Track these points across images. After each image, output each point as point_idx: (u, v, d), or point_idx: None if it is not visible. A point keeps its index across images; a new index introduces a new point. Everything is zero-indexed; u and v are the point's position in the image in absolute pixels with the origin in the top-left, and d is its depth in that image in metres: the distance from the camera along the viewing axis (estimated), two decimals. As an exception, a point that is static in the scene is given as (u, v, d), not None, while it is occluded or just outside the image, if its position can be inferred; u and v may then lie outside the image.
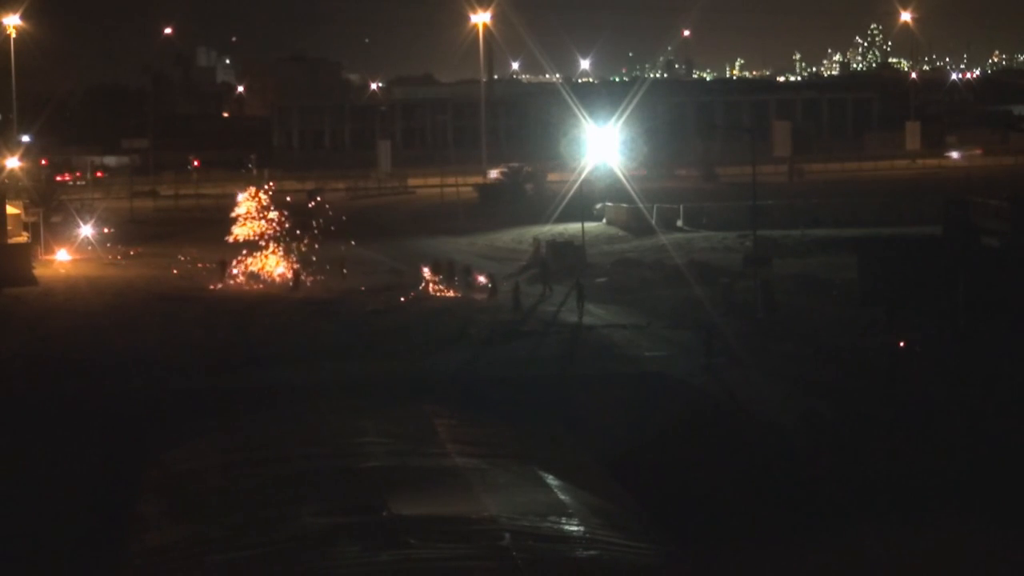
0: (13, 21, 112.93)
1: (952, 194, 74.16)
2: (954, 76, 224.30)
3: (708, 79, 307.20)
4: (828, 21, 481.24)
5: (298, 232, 68.23)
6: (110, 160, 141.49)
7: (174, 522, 25.13)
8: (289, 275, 64.79)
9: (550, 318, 53.65)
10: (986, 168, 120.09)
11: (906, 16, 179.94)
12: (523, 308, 55.10)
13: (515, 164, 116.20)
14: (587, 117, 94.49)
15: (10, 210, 75.54)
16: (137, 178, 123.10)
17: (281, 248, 67.02)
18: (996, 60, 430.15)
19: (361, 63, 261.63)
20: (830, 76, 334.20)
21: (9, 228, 73.69)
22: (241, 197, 69.77)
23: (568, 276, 60.58)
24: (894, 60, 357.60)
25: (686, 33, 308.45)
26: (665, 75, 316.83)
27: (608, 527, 24.60)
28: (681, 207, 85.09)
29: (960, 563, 26.12)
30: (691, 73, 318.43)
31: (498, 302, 57.56)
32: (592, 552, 22.78)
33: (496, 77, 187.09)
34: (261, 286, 64.29)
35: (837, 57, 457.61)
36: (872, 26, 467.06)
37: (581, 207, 75.29)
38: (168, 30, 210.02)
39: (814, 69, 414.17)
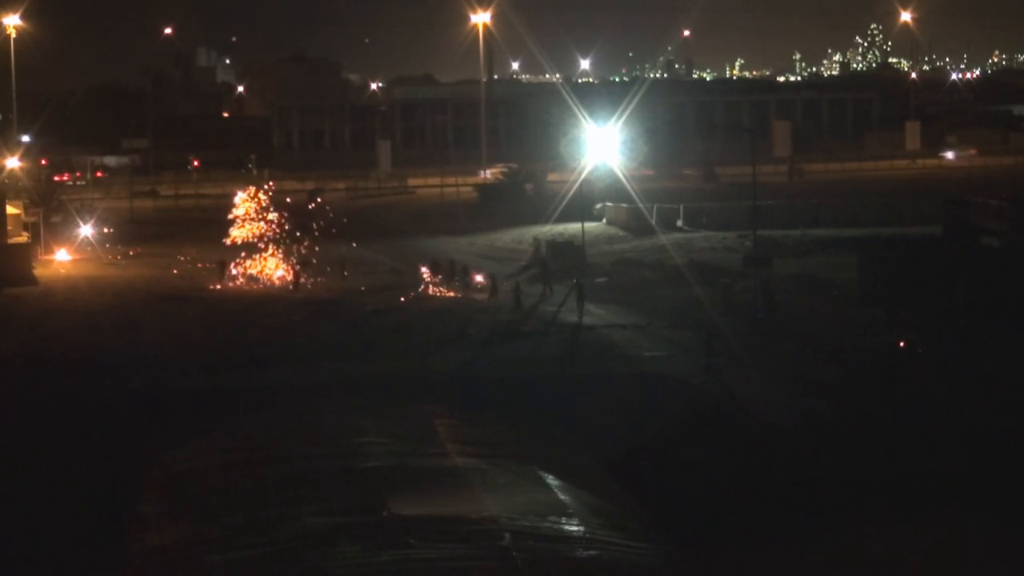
0: (13, 21, 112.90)
1: (952, 194, 74.22)
2: (954, 76, 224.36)
3: (708, 79, 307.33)
4: (828, 21, 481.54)
5: (298, 234, 68.12)
6: (110, 160, 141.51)
7: (174, 522, 25.12)
8: (289, 275, 64.75)
9: (550, 318, 53.65)
10: (982, 168, 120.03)
11: (906, 16, 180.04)
12: (523, 308, 55.10)
13: (512, 165, 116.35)
14: (587, 117, 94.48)
15: (10, 210, 75.54)
16: (137, 178, 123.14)
17: (280, 250, 66.81)
18: (996, 60, 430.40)
19: (361, 63, 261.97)
20: (830, 76, 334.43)
21: (9, 228, 73.70)
22: (238, 199, 69.41)
23: (568, 276, 60.57)
24: (894, 60, 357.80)
25: (686, 33, 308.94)
26: (665, 75, 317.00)
27: (608, 527, 24.60)
28: (681, 207, 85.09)
29: (960, 563, 26.11)
30: (691, 73, 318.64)
31: (498, 302, 57.56)
32: (592, 552, 22.78)
33: (496, 77, 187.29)
34: (261, 286, 64.29)
35: (837, 57, 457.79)
36: (872, 26, 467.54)
37: (581, 207, 75.27)
38: (168, 30, 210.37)
39: (814, 69, 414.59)
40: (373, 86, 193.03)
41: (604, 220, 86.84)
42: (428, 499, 24.69)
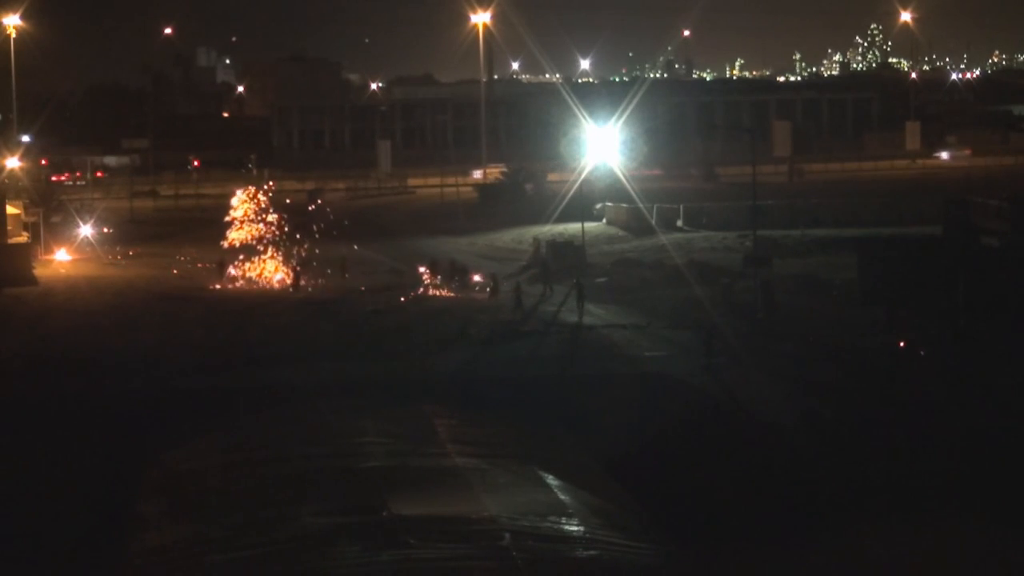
0: (13, 21, 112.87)
1: (952, 194, 74.23)
2: (954, 76, 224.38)
3: (708, 79, 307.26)
4: (828, 21, 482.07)
5: (298, 236, 67.95)
6: (110, 160, 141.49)
7: (174, 522, 25.13)
8: (289, 276, 64.63)
9: (550, 318, 53.66)
10: (982, 168, 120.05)
11: (906, 16, 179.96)
12: (524, 308, 55.10)
13: (503, 166, 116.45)
14: (587, 117, 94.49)
15: (10, 210, 75.57)
16: (137, 178, 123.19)
17: (280, 252, 66.51)
18: (996, 60, 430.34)
19: (361, 63, 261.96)
20: (830, 76, 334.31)
21: (9, 228, 73.72)
22: (236, 200, 68.91)
23: (568, 276, 60.58)
24: (894, 60, 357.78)
25: (686, 33, 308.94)
26: (665, 75, 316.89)
27: (608, 527, 24.60)
28: (681, 207, 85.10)
29: (960, 563, 26.11)
30: (691, 73, 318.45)
31: (499, 302, 57.57)
32: (592, 552, 22.78)
33: (496, 77, 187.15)
34: (261, 286, 64.28)
35: (837, 57, 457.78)
36: (872, 26, 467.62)
37: (581, 207, 75.27)
38: (168, 30, 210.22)
39: (814, 69, 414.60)
40: (373, 86, 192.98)
41: (604, 220, 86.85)
42: (428, 499, 24.69)
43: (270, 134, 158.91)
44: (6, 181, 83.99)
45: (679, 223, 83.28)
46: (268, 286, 64.36)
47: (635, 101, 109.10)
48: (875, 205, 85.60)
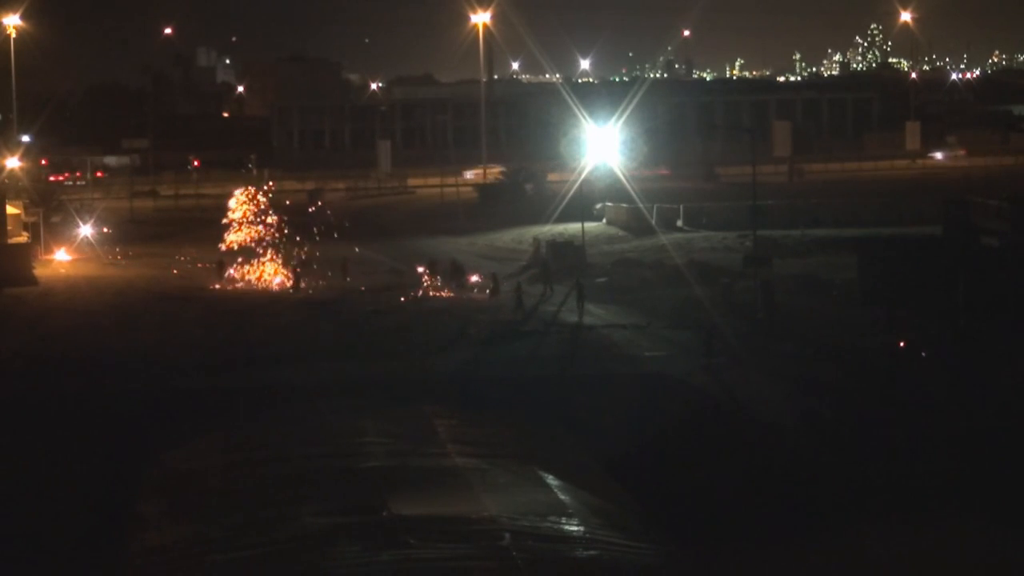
0: (13, 21, 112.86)
1: (952, 194, 74.20)
2: (954, 76, 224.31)
3: (708, 79, 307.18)
4: (828, 21, 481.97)
5: (298, 239, 67.64)
6: (110, 160, 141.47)
7: (174, 522, 25.14)
8: (289, 278, 64.40)
9: (550, 318, 53.66)
10: (976, 168, 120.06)
11: (906, 16, 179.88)
12: (525, 308, 55.09)
13: (502, 166, 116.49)
14: (587, 117, 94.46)
15: (10, 210, 75.54)
16: (137, 178, 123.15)
17: (280, 254, 66.02)
18: (996, 60, 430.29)
19: (361, 63, 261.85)
20: (830, 76, 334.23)
21: (9, 228, 73.70)
22: (234, 202, 68.23)
23: (568, 276, 60.57)
24: (894, 60, 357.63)
25: (686, 33, 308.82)
26: (665, 75, 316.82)
27: (608, 527, 24.61)
28: (681, 207, 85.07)
29: (960, 563, 26.11)
30: (691, 73, 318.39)
31: (499, 302, 57.58)
32: (592, 552, 22.79)
33: (496, 77, 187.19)
34: (261, 286, 64.22)
35: (837, 57, 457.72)
36: (872, 26, 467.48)
37: (581, 207, 75.27)
38: (168, 30, 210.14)
39: (814, 69, 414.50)
40: (373, 86, 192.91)
41: (604, 220, 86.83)
42: (428, 499, 24.70)
43: (270, 134, 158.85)
44: (6, 181, 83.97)
45: (679, 223, 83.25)
46: (268, 286, 64.29)
47: (635, 101, 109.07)
48: (875, 205, 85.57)
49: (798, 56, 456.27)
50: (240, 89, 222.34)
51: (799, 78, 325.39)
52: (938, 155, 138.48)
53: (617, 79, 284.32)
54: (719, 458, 32.78)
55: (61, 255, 75.35)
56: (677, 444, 34.09)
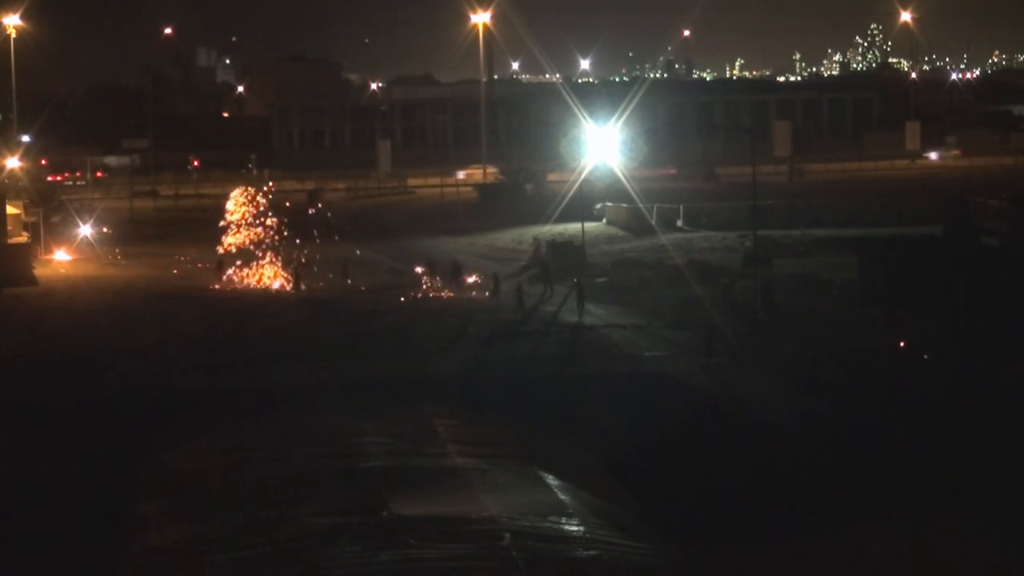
0: (13, 21, 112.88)
1: (952, 194, 74.20)
2: (954, 76, 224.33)
3: (708, 79, 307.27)
4: (828, 21, 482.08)
5: (297, 241, 67.35)
6: (110, 160, 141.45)
7: (174, 522, 25.13)
8: (289, 280, 64.15)
9: (550, 318, 53.68)
10: (977, 168, 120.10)
11: (906, 16, 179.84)
12: (525, 308, 55.10)
13: (496, 166, 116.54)
14: (587, 117, 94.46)
15: (10, 210, 75.56)
16: (137, 178, 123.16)
17: (279, 256, 65.63)
18: (996, 60, 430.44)
19: (361, 63, 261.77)
20: (830, 76, 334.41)
21: (9, 228, 73.71)
22: (230, 203, 67.58)
23: (568, 276, 60.59)
24: (894, 60, 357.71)
25: (686, 33, 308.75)
26: (665, 75, 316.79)
27: (608, 527, 24.60)
28: (681, 207, 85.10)
29: (960, 563, 26.11)
30: (691, 73, 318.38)
31: (499, 302, 57.60)
32: (592, 552, 22.78)
33: (496, 77, 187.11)
34: (261, 286, 64.20)
35: (837, 57, 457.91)
36: (872, 26, 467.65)
37: (581, 207, 75.31)
38: (168, 30, 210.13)
39: (814, 69, 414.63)
40: (373, 86, 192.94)
41: (604, 220, 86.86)
42: (428, 499, 24.69)
43: (270, 134, 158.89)
44: (6, 181, 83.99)
45: (679, 223, 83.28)
46: (268, 286, 64.23)
47: (635, 101, 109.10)
48: (875, 205, 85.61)
49: (798, 56, 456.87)
50: (240, 89, 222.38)
51: (799, 78, 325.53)
52: (932, 155, 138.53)
53: (617, 79, 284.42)
54: (719, 458, 32.78)
55: (61, 255, 75.36)
56: (677, 444, 34.09)
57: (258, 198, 67.81)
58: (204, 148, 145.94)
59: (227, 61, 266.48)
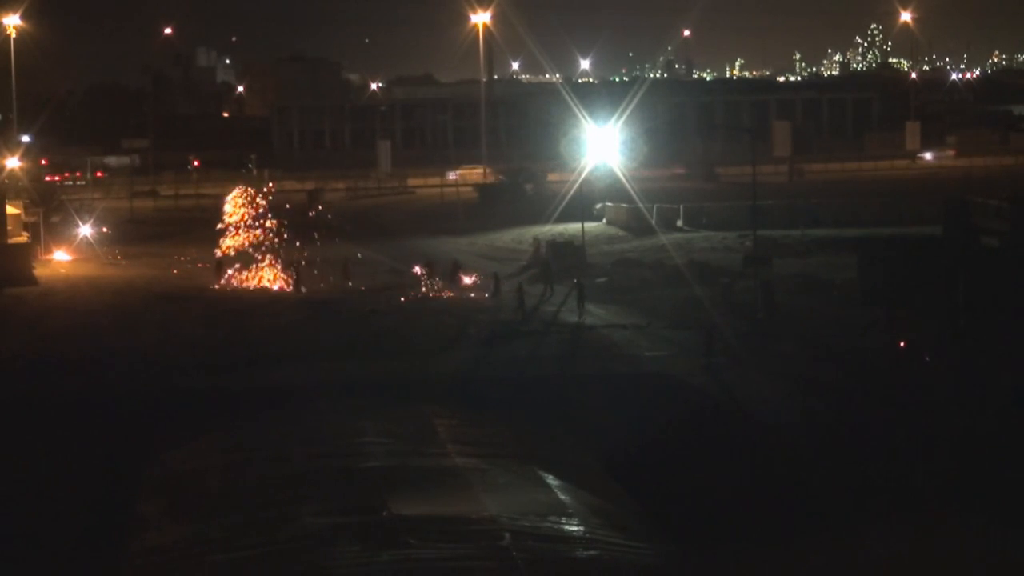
0: (13, 21, 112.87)
1: (952, 194, 74.18)
2: (954, 76, 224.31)
3: (708, 79, 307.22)
4: (828, 21, 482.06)
5: (297, 244, 67.11)
6: (110, 160, 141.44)
7: (174, 522, 25.14)
8: (288, 282, 63.93)
9: (550, 318, 53.69)
10: (970, 168, 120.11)
11: (906, 16, 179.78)
12: (525, 308, 55.09)
13: (486, 166, 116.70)
14: (587, 117, 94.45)
15: (10, 210, 75.52)
16: (137, 178, 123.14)
17: (279, 258, 65.23)
18: (996, 60, 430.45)
19: (361, 63, 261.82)
20: (830, 76, 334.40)
21: (9, 228, 73.67)
22: (228, 206, 67.00)
23: (568, 276, 60.59)
24: (894, 60, 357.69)
25: (686, 33, 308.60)
26: (665, 75, 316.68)
27: (608, 527, 24.61)
28: (681, 207, 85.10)
29: (960, 563, 26.11)
30: (691, 73, 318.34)
31: (499, 302, 57.60)
32: (592, 552, 22.78)
33: (496, 77, 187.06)
34: (261, 286, 64.17)
35: (837, 57, 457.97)
36: (872, 26, 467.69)
37: (581, 207, 75.31)
38: (168, 30, 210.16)
39: (814, 69, 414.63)
40: (373, 86, 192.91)
41: (604, 220, 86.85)
42: (428, 499, 24.70)
43: (270, 134, 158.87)
44: (6, 181, 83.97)
45: (679, 223, 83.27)
46: (268, 287, 64.18)
47: (635, 101, 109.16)
48: (875, 205, 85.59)
49: (798, 56, 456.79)
50: (240, 89, 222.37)
51: (799, 78, 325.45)
52: (927, 155, 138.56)
53: (617, 79, 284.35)
54: (719, 458, 32.79)
55: (61, 255, 75.35)
56: (677, 444, 34.09)
57: (257, 199, 67.41)
58: (204, 148, 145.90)
59: (227, 61, 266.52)
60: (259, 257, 65.36)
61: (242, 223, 66.38)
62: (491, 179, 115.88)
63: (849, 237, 69.46)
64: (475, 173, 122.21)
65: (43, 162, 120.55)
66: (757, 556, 26.41)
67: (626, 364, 44.60)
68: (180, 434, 32.50)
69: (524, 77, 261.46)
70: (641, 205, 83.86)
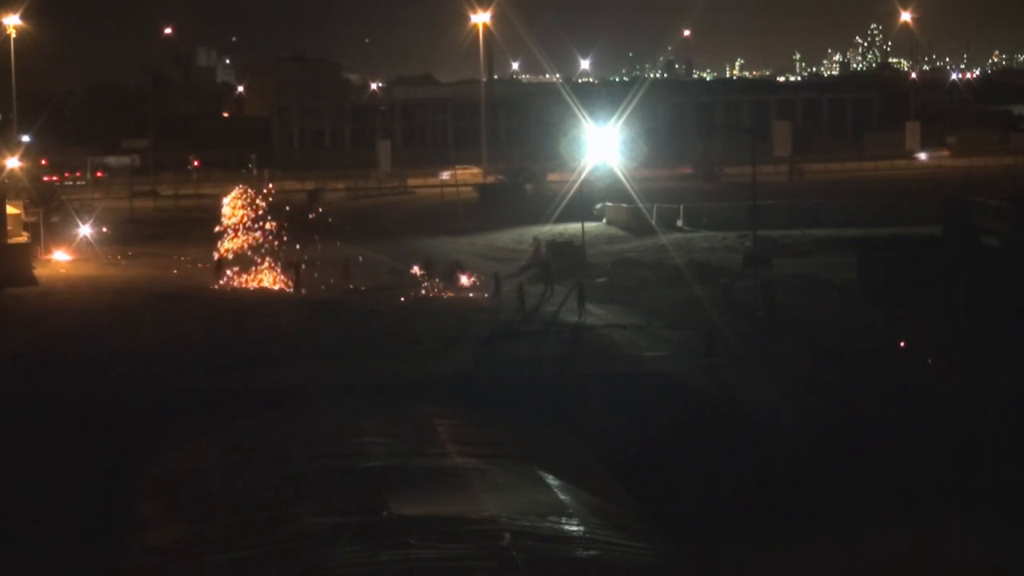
0: (13, 21, 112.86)
1: (952, 194, 74.19)
2: (954, 76, 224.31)
3: (708, 79, 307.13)
4: (828, 21, 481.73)
5: (297, 247, 66.99)
6: (111, 160, 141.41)
7: (174, 522, 25.15)
8: (288, 284, 63.84)
9: (550, 318, 53.68)
10: (970, 168, 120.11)
11: (906, 16, 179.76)
12: (526, 308, 55.09)
13: (468, 167, 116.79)
14: (587, 117, 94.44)
15: (10, 210, 75.51)
16: (137, 178, 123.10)
17: (278, 263, 65.06)
18: (996, 60, 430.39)
19: (361, 63, 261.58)
20: (830, 76, 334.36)
21: (9, 228, 73.66)
22: (225, 208, 66.69)
23: (568, 276, 60.59)
24: (894, 60, 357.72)
25: (686, 33, 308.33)
26: (665, 75, 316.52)
27: (608, 527, 24.61)
28: (681, 207, 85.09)
29: (960, 563, 26.11)
30: (691, 73, 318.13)
31: (500, 302, 57.60)
32: (592, 552, 22.79)
33: (496, 77, 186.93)
34: (261, 287, 64.14)
35: (837, 57, 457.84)
36: (872, 26, 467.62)
37: (581, 207, 75.31)
38: (168, 30, 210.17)
39: (814, 69, 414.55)
40: (373, 86, 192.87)
41: (604, 220, 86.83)
42: (428, 499, 24.71)
43: (270, 134, 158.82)
44: (6, 181, 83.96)
45: (679, 223, 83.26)
46: (268, 287, 64.13)
47: (635, 101, 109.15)
48: (875, 205, 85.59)
49: (798, 56, 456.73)
50: (240, 89, 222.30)
51: (799, 78, 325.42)
52: (922, 156, 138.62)
53: (617, 79, 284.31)
54: (719, 458, 32.79)
55: (61, 255, 75.32)
56: (677, 444, 34.09)
57: (257, 201, 67.20)
58: (204, 148, 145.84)
59: (227, 61, 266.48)
60: (258, 260, 65.26)
61: (241, 225, 66.24)
62: (485, 179, 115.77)
63: (849, 237, 69.46)
64: (468, 173, 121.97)
65: (43, 162, 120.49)
66: (757, 556, 26.41)
67: (626, 364, 44.60)
68: (180, 434, 32.51)
69: (524, 77, 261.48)
70: (641, 205, 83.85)
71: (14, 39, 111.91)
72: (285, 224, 67.33)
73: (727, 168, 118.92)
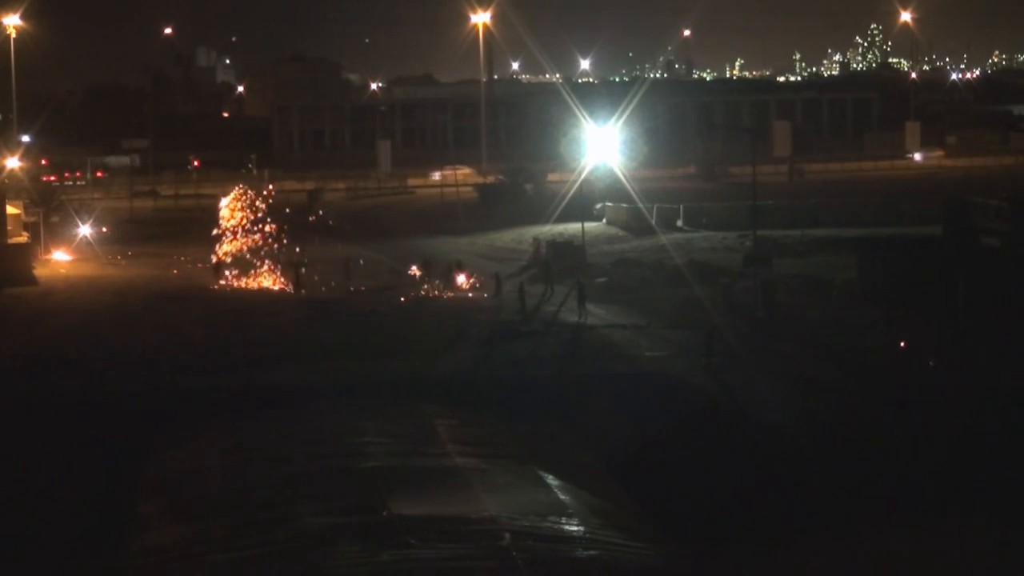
0: (13, 21, 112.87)
1: (952, 194, 74.20)
2: (954, 76, 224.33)
3: (708, 79, 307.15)
4: (828, 21, 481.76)
5: (297, 249, 66.83)
6: (111, 160, 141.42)
7: (174, 522, 25.15)
8: (288, 285, 63.77)
9: (551, 318, 53.68)
10: (970, 168, 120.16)
11: (906, 16, 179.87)
12: (527, 308, 55.09)
13: (461, 167, 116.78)
14: (587, 117, 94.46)
15: (10, 210, 75.51)
16: (137, 178, 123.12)
17: (278, 265, 64.90)
18: (996, 60, 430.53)
19: (361, 63, 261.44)
20: (830, 76, 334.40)
21: (9, 228, 73.66)
22: (223, 210, 66.27)
23: (568, 276, 60.59)
24: (894, 60, 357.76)
25: (686, 33, 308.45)
26: (665, 75, 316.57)
27: (608, 527, 24.62)
28: (681, 207, 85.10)
29: (960, 563, 26.11)
30: (691, 73, 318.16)
31: (500, 302, 57.61)
32: (592, 552, 22.79)
33: (496, 77, 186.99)
34: (261, 287, 64.13)
35: (837, 57, 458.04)
36: (872, 26, 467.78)
37: (581, 207, 75.31)
38: (168, 30, 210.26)
39: (814, 69, 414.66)
40: (373, 86, 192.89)
41: (604, 220, 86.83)
42: (428, 499, 24.71)
43: (270, 134, 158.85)
44: (6, 181, 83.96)
45: (679, 223, 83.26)
46: (268, 288, 64.11)
47: (635, 101, 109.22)
48: (875, 205, 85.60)
49: (798, 56, 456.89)
50: (240, 89, 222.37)
51: (799, 78, 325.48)
52: (917, 156, 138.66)
53: (617, 79, 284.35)
54: (719, 458, 32.79)
55: (61, 255, 75.33)
56: (677, 444, 34.09)
57: (256, 202, 67.01)
58: (204, 148, 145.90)
59: (227, 61, 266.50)
60: (257, 263, 65.15)
61: (240, 227, 66.11)
62: (480, 179, 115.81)
63: (849, 237, 69.47)
64: (461, 173, 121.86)
65: (43, 162, 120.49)
66: (757, 556, 26.41)
67: (626, 364, 44.60)
68: (180, 434, 32.51)
69: (524, 77, 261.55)
70: (641, 205, 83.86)
71: (14, 39, 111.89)
72: (285, 226, 67.24)
73: (730, 168, 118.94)
